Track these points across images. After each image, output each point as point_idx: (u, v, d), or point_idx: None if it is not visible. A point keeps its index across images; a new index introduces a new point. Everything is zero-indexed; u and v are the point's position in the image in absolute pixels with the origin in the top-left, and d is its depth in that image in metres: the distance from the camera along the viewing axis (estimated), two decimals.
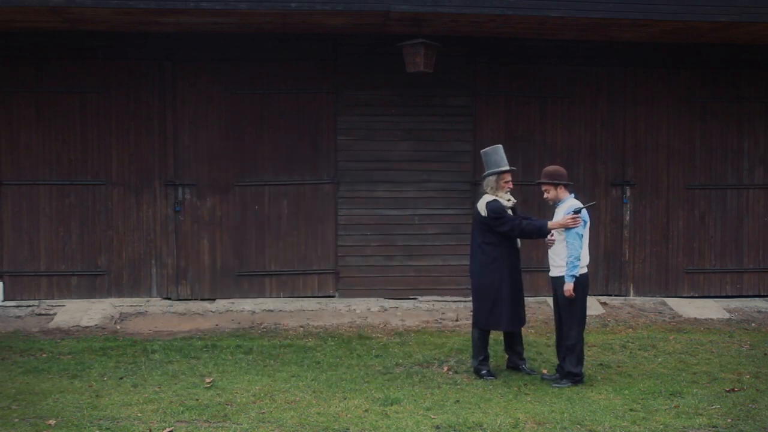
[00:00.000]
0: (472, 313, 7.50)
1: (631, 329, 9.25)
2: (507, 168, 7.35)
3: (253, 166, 10.23)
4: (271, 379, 7.11)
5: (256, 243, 10.24)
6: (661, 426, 5.96)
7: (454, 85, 10.39)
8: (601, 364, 7.73)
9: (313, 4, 8.82)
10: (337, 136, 10.31)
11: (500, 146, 7.47)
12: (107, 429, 5.77)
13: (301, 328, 9.10)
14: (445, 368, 7.56)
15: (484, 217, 7.23)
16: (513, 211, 7.40)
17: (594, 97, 10.63)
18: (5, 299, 9.95)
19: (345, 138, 10.31)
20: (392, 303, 10.14)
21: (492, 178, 7.31)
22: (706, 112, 10.78)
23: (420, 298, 10.35)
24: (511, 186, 7.40)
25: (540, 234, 7.21)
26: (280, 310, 9.79)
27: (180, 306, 9.89)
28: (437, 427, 5.87)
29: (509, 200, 7.36)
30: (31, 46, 9.94)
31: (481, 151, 7.54)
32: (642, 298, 10.62)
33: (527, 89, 10.56)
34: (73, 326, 9.10)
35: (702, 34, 10.01)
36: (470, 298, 10.29)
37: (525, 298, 10.31)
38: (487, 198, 7.28)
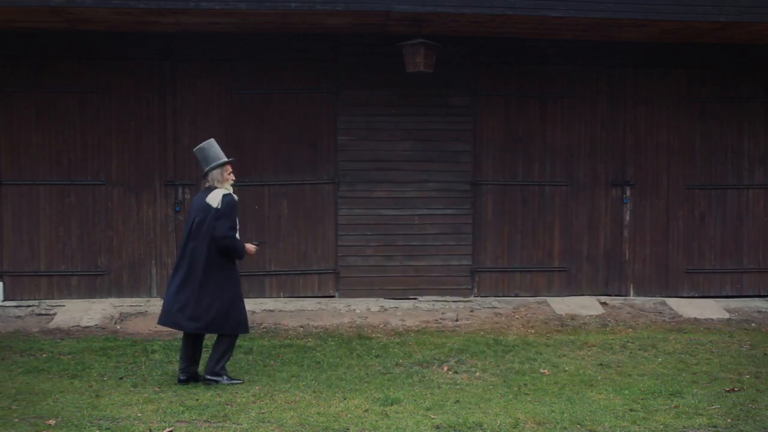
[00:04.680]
0: (224, 319, 6.99)
1: (631, 329, 9.25)
2: (228, 159, 7.11)
3: (253, 166, 10.23)
4: (271, 379, 7.11)
5: None
6: (661, 426, 5.96)
7: (454, 85, 10.39)
8: (601, 364, 7.73)
9: (313, 4, 8.82)
10: (337, 136, 10.31)
11: (213, 140, 7.23)
12: (107, 429, 5.77)
13: (301, 328, 9.10)
14: (445, 368, 7.56)
15: (217, 209, 6.88)
16: None
17: (594, 97, 10.63)
18: (5, 299, 9.95)
19: (345, 138, 10.32)
20: (392, 303, 10.14)
21: (217, 171, 6.99)
22: (706, 112, 10.78)
23: (420, 298, 10.35)
24: (234, 178, 7.16)
25: (238, 256, 6.99)
26: (280, 310, 9.79)
27: None
28: (437, 427, 5.87)
29: (234, 194, 7.07)
30: (31, 46, 9.94)
31: (195, 149, 7.24)
32: (642, 298, 10.62)
33: (527, 89, 10.56)
34: (73, 326, 9.10)
35: (702, 34, 10.02)
36: (470, 298, 10.36)
37: (526, 297, 10.43)
38: (222, 191, 6.95)
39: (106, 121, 10.08)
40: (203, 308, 6.93)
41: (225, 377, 7.01)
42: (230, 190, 7.03)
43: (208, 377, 6.98)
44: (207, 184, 7.06)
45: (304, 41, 10.23)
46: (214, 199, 6.92)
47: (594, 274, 10.67)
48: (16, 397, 6.54)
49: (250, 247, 7.17)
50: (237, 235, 6.98)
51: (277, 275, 10.28)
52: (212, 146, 7.12)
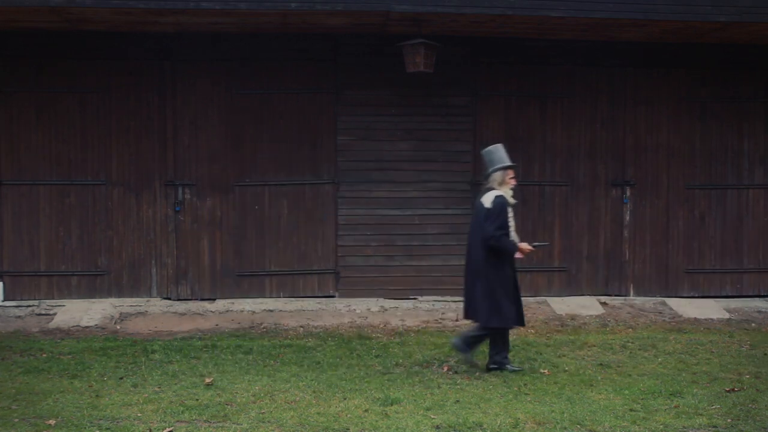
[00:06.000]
0: (484, 310, 7.34)
1: (631, 329, 9.25)
2: (511, 164, 7.49)
3: (253, 166, 10.23)
4: (271, 379, 7.11)
5: (256, 243, 10.24)
6: (661, 426, 5.96)
7: (454, 85, 10.39)
8: (601, 364, 7.74)
9: (313, 4, 8.82)
10: (337, 136, 10.31)
11: (501, 145, 7.60)
12: (107, 429, 5.77)
13: (301, 328, 9.10)
14: (445, 368, 7.56)
15: (487, 209, 7.32)
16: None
17: (594, 97, 10.64)
18: (5, 299, 9.95)
19: (345, 138, 10.32)
20: (392, 303, 10.14)
21: (498, 174, 7.42)
22: (706, 112, 10.79)
23: (420, 298, 10.35)
24: (515, 182, 7.54)
25: (507, 254, 7.38)
26: (280, 310, 9.79)
27: (180, 306, 9.89)
28: (437, 427, 5.88)
29: (512, 197, 7.47)
30: (31, 46, 9.94)
31: (483, 150, 7.62)
32: (642, 298, 10.62)
33: (527, 89, 10.56)
34: (73, 326, 9.10)
35: (702, 34, 10.02)
36: None
37: (526, 297, 10.40)
38: (495, 192, 7.37)
39: (106, 121, 10.08)
40: (475, 300, 7.38)
41: (508, 365, 7.41)
42: (506, 193, 7.38)
43: (490, 366, 7.45)
44: (487, 185, 7.46)
45: (304, 41, 10.23)
46: (487, 199, 7.36)
47: (594, 274, 10.67)
48: (16, 397, 6.54)
49: (525, 246, 7.46)
50: (512, 234, 7.41)
51: (277, 275, 10.28)
52: (498, 150, 7.50)
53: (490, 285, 7.32)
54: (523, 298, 10.33)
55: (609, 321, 9.60)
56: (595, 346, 8.43)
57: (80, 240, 10.08)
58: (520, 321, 7.53)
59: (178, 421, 5.97)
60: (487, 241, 7.29)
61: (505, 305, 7.33)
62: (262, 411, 6.21)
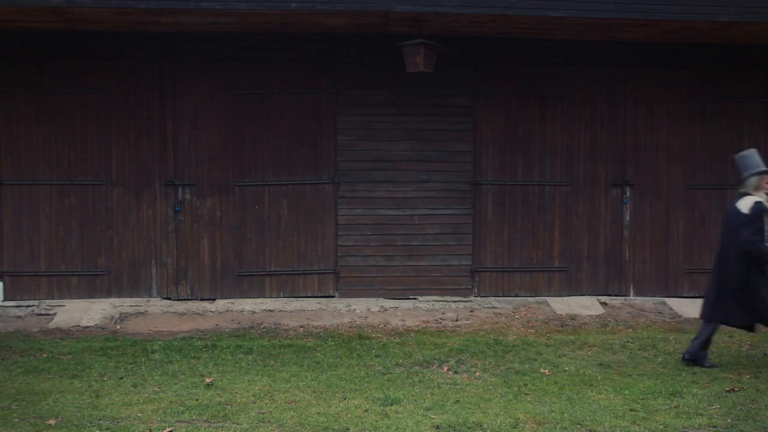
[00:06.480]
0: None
1: (631, 329, 9.25)
2: (767, 169, 7.57)
3: (253, 166, 10.24)
4: (271, 379, 7.12)
5: (256, 243, 10.24)
6: (661, 426, 5.96)
7: (454, 85, 10.39)
8: (601, 364, 7.74)
9: (313, 4, 8.82)
10: (337, 136, 10.31)
11: (755, 150, 7.70)
12: (107, 429, 5.77)
13: (301, 328, 9.11)
14: (445, 368, 7.56)
15: (745, 214, 7.38)
16: None
17: (594, 97, 10.64)
18: (5, 299, 9.95)
19: (345, 138, 10.32)
20: (392, 303, 10.14)
21: (755, 179, 7.49)
22: (706, 112, 10.79)
23: (420, 298, 10.35)
24: None
25: (761, 261, 7.43)
26: (280, 310, 9.79)
27: (180, 306, 9.90)
28: (437, 427, 5.88)
29: (767, 202, 7.56)
30: (31, 46, 9.94)
31: (737, 155, 7.74)
32: (642, 298, 10.62)
33: (527, 89, 10.56)
34: (73, 326, 9.10)
35: (702, 34, 10.02)
36: (470, 298, 10.36)
37: (526, 297, 10.43)
38: (754, 198, 7.42)
39: (106, 121, 10.09)
40: (719, 300, 7.60)
41: (705, 362, 7.62)
42: (763, 199, 7.45)
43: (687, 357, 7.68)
44: (742, 190, 7.56)
45: (304, 41, 10.23)
46: (745, 204, 7.43)
47: (594, 274, 10.67)
48: (16, 397, 6.54)
49: None
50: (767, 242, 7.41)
51: (277, 275, 10.29)
52: (753, 155, 7.62)
53: (731, 286, 7.49)
54: (523, 298, 10.47)
55: (609, 321, 9.60)
56: (595, 346, 8.43)
57: (80, 240, 10.08)
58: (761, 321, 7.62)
59: (178, 421, 5.97)
60: (742, 246, 7.38)
61: (732, 307, 7.50)
62: (262, 411, 6.21)
